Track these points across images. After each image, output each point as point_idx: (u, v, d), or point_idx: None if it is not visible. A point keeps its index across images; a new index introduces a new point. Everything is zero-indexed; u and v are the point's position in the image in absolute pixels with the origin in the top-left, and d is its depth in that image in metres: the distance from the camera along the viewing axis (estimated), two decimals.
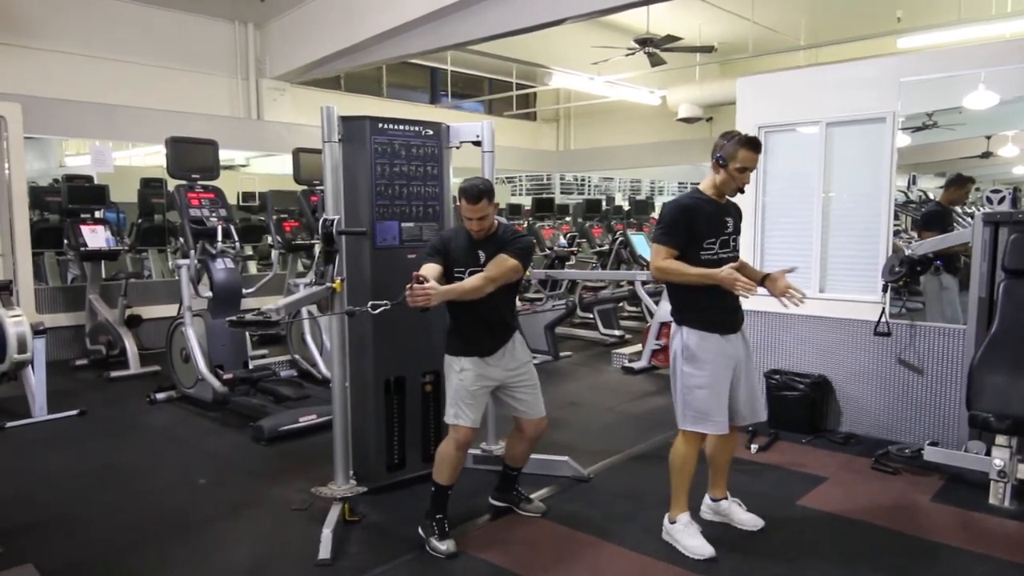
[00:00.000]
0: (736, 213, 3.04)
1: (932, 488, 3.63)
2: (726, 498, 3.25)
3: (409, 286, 2.62)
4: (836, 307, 4.46)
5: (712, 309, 2.89)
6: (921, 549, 3.02)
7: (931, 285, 4.63)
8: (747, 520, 3.19)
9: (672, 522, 3.02)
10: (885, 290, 4.14)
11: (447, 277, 2.93)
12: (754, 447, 4.20)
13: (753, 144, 2.85)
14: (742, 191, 2.93)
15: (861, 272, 4.39)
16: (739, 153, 2.83)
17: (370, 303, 2.84)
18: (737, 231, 3.02)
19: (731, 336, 2.94)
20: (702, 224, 2.87)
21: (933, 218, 5.10)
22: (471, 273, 2.93)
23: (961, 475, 3.70)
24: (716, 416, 2.90)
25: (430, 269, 2.87)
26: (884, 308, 4.09)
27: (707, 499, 3.28)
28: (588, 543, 3.08)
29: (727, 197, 2.98)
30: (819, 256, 4.54)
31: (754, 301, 4.66)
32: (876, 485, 3.70)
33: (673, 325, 3.00)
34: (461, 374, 3.00)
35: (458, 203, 2.97)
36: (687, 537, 2.96)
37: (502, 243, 2.97)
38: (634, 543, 3.04)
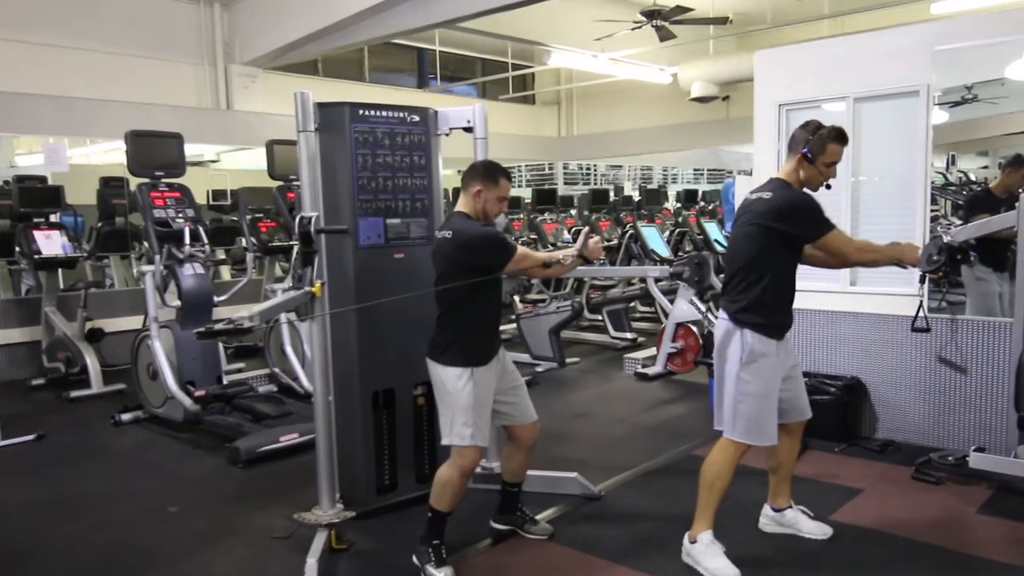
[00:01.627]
0: None
1: (979, 499, 3.63)
2: (791, 507, 3.31)
3: (592, 239, 2.98)
4: (869, 302, 4.47)
5: (778, 311, 2.99)
6: (968, 566, 3.02)
7: (965, 276, 4.63)
8: (814, 529, 3.26)
9: (693, 541, 3.02)
10: (923, 281, 4.13)
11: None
12: None
13: (843, 138, 2.98)
14: (829, 187, 3.05)
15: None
16: (828, 147, 2.94)
17: (563, 253, 3.09)
18: None
19: (783, 341, 3.04)
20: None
21: (976, 205, 5.08)
22: None
23: (1011, 484, 3.70)
24: (768, 427, 2.97)
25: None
26: (922, 301, 4.09)
27: (768, 510, 3.34)
28: (599, 567, 3.08)
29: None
30: None
31: None
32: (917, 497, 3.70)
33: (727, 324, 3.01)
34: (477, 387, 2.96)
35: (481, 187, 3.00)
36: (709, 558, 2.96)
37: None
38: (651, 566, 3.05)
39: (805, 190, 3.03)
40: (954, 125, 6.01)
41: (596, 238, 2.99)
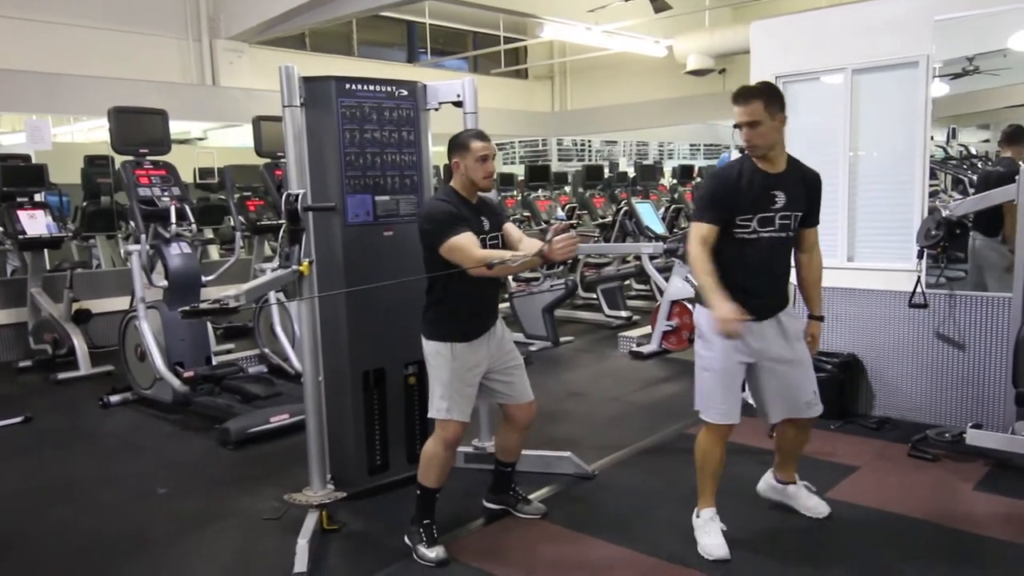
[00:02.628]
0: (794, 185, 2.92)
1: (976, 475, 3.65)
2: (794, 483, 3.30)
3: (557, 235, 2.63)
4: (866, 278, 4.46)
5: (735, 288, 2.79)
6: (964, 543, 3.04)
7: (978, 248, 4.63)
8: (813, 506, 3.25)
9: (697, 516, 3.07)
10: (921, 257, 4.13)
11: None
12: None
13: (734, 97, 2.85)
14: (752, 148, 2.88)
15: (893, 238, 4.39)
16: (735, 109, 2.86)
17: (509, 255, 2.78)
18: (794, 207, 2.91)
19: (756, 324, 2.88)
20: (740, 196, 2.85)
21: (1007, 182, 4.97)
22: (762, 221, 2.86)
23: (1008, 460, 3.72)
24: (718, 403, 2.93)
25: (473, 237, 2.86)
26: (919, 277, 4.09)
27: (770, 477, 3.36)
28: (593, 546, 3.09)
29: (777, 164, 2.90)
30: (846, 221, 4.53)
31: None
32: (913, 474, 3.72)
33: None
34: (455, 362, 2.98)
35: (457, 158, 2.99)
36: (704, 534, 2.99)
37: (493, 210, 3.11)
38: (645, 546, 3.06)
39: (747, 163, 2.92)
40: (955, 98, 5.97)
41: (566, 236, 2.64)
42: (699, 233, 2.86)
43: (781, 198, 2.88)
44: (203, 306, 2.56)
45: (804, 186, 2.97)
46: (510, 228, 3.16)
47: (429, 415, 3.06)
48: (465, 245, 2.81)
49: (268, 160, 6.13)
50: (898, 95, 4.35)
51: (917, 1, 4.30)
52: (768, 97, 2.82)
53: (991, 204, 4.15)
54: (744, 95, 2.83)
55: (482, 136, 3.04)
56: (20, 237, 6.30)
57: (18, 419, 5.05)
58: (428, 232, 2.90)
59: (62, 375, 6.14)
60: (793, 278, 3.11)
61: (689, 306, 6.11)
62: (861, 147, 4.52)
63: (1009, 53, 5.08)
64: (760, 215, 2.86)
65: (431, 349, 3.03)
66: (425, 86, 3.71)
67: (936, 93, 4.25)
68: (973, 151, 6.72)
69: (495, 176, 3.07)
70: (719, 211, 2.86)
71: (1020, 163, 4.53)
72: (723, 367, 2.91)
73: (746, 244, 2.88)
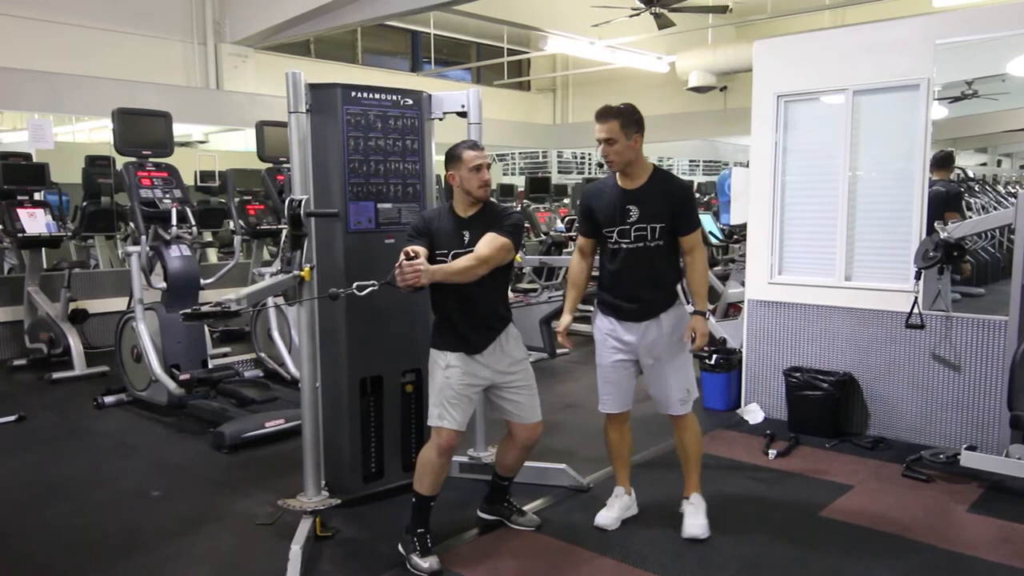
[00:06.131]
0: (651, 199, 3.12)
1: (970, 497, 3.65)
2: (686, 497, 3.36)
3: (398, 264, 2.68)
4: (863, 297, 4.48)
5: (613, 291, 3.23)
6: (957, 564, 3.04)
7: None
8: (689, 525, 3.24)
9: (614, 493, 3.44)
10: (918, 278, 4.15)
11: (430, 261, 2.92)
12: (772, 453, 4.22)
13: (596, 115, 3.10)
14: (606, 165, 3.15)
15: (891, 258, 4.41)
16: (595, 126, 3.09)
17: (356, 284, 2.83)
18: (650, 220, 3.11)
19: (632, 324, 3.18)
20: (600, 211, 3.20)
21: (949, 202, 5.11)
22: (455, 256, 2.95)
23: (1002, 483, 3.73)
24: (603, 395, 3.34)
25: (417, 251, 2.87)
26: (916, 297, 4.11)
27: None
28: (586, 559, 3.08)
29: (636, 180, 3.15)
30: (845, 241, 4.55)
31: (770, 291, 4.69)
32: (907, 494, 3.72)
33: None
34: (447, 371, 3.01)
35: (452, 170, 3.01)
36: (604, 507, 3.38)
37: (489, 222, 3.02)
38: (637, 559, 3.06)
39: (610, 181, 3.25)
40: (953, 121, 6.03)
41: (413, 264, 2.67)
42: (577, 244, 3.37)
43: (635, 212, 3.12)
44: (204, 309, 2.57)
45: (665, 199, 3.14)
46: (482, 239, 2.94)
47: (428, 421, 3.10)
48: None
49: (270, 165, 6.15)
50: (898, 117, 4.38)
51: (919, 24, 4.34)
52: (625, 118, 3.07)
53: (989, 227, 4.19)
54: (603, 114, 3.09)
55: (475, 146, 3.06)
56: (19, 235, 6.29)
57: (11, 418, 5.03)
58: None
59: (57, 374, 6.13)
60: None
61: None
62: (860, 167, 4.55)
63: (1008, 78, 5.14)
64: (619, 227, 3.14)
65: (431, 355, 3.10)
66: (430, 96, 3.73)
67: (936, 116, 4.29)
68: (971, 174, 6.77)
69: (492, 185, 3.07)
70: (586, 223, 3.29)
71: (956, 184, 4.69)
72: (601, 361, 3.31)
73: (614, 253, 3.19)
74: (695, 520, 3.23)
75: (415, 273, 2.68)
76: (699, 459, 3.36)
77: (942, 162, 5.23)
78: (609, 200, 3.17)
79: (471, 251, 2.93)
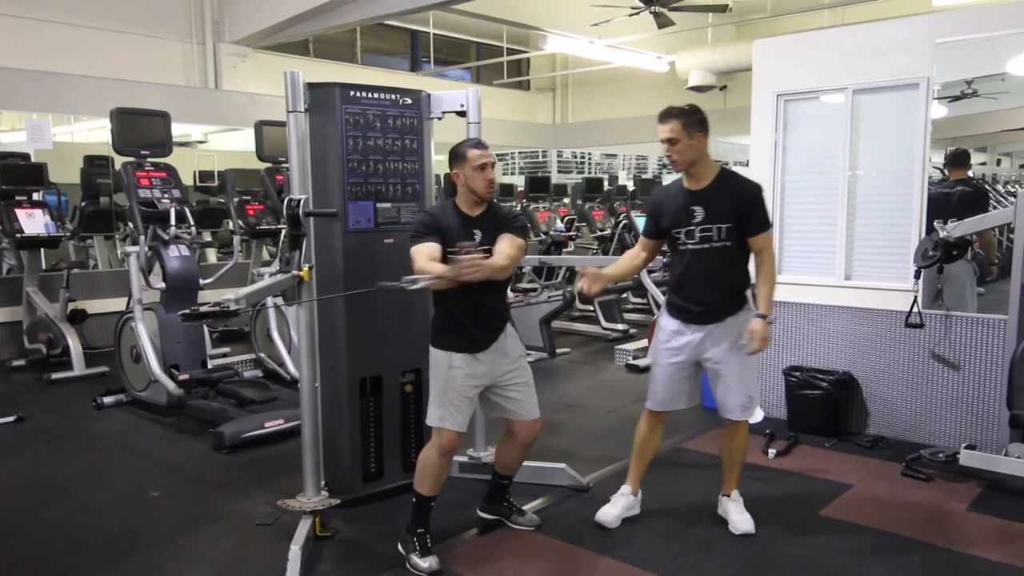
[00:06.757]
0: (717, 199, 3.12)
1: (969, 496, 3.66)
2: (728, 495, 3.39)
3: (458, 258, 2.74)
4: (863, 296, 4.48)
5: (674, 294, 3.28)
6: (957, 564, 3.04)
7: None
8: (735, 521, 3.29)
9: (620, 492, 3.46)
10: (918, 277, 4.15)
11: (443, 260, 2.93)
12: (772, 452, 4.22)
13: (658, 116, 3.10)
14: (672, 163, 3.13)
15: (891, 257, 4.41)
16: (657, 127, 3.10)
17: (404, 278, 2.80)
18: (715, 220, 3.10)
19: (697, 326, 3.18)
20: (665, 212, 3.22)
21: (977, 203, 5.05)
22: (687, 234, 3.12)
23: (1001, 482, 3.73)
24: (653, 392, 3.35)
25: (432, 249, 2.89)
26: (916, 297, 4.11)
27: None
28: (586, 559, 3.09)
29: (701, 180, 3.15)
30: (844, 240, 4.55)
31: None
32: (907, 493, 3.73)
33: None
34: (451, 371, 2.99)
35: (456, 169, 3.00)
36: (606, 504, 3.40)
37: (498, 223, 3.03)
38: (637, 559, 3.06)
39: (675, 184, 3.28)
40: (953, 120, 6.03)
41: (470, 259, 2.71)
42: (639, 240, 3.42)
43: (700, 212, 3.11)
44: (203, 309, 2.57)
45: (731, 199, 3.12)
46: (501, 238, 2.98)
47: (427, 421, 3.08)
48: (415, 256, 2.89)
49: (269, 164, 6.15)
50: (898, 116, 4.38)
51: (919, 24, 4.34)
52: (687, 117, 3.07)
53: (988, 226, 4.19)
54: (665, 114, 3.10)
55: (480, 144, 3.04)
56: (18, 235, 6.29)
57: (10, 418, 5.03)
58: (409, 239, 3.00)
59: (56, 375, 6.12)
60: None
61: None
62: (860, 167, 4.55)
63: (1007, 77, 5.14)
64: (685, 228, 3.15)
65: (432, 356, 3.07)
66: (429, 95, 3.73)
67: (935, 115, 4.29)
68: (970, 173, 6.77)
69: (496, 185, 3.07)
70: (650, 224, 3.32)
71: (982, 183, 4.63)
72: (659, 361, 3.31)
73: (682, 255, 3.20)
74: (743, 516, 3.29)
75: (475, 267, 2.71)
76: (743, 462, 3.42)
77: (958, 160, 5.12)
78: (675, 201, 3.19)
79: (485, 248, 2.93)
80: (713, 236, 3.11)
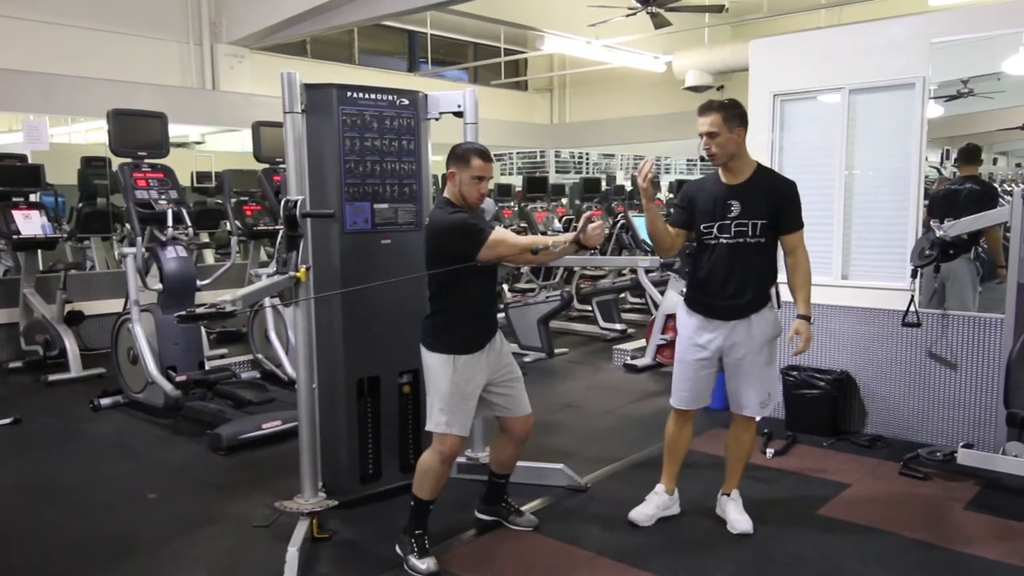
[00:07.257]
0: (754, 194, 3.11)
1: (967, 495, 3.66)
2: (727, 494, 3.39)
3: (582, 227, 2.77)
4: (860, 295, 4.48)
5: (697, 290, 3.26)
6: (955, 562, 3.05)
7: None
8: (733, 520, 3.30)
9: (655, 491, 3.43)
10: (914, 276, 4.16)
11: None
12: (770, 451, 4.22)
13: (698, 109, 3.12)
14: (711, 156, 3.13)
15: (888, 257, 4.42)
16: (698, 120, 3.09)
17: (538, 247, 2.86)
18: (752, 216, 3.09)
19: (720, 322, 3.17)
20: (698, 204, 3.18)
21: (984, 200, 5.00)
22: (720, 228, 3.12)
23: (999, 480, 3.73)
24: (679, 391, 3.31)
25: (505, 230, 3.05)
26: (913, 296, 4.12)
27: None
28: (585, 560, 3.08)
29: (739, 175, 3.14)
30: (841, 239, 4.56)
31: None
32: (905, 492, 3.73)
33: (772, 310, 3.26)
34: (456, 375, 2.95)
35: (455, 169, 2.97)
36: (644, 503, 3.37)
37: (484, 219, 3.09)
38: (635, 559, 3.05)
39: (711, 176, 3.26)
40: (949, 119, 6.02)
41: (597, 223, 2.79)
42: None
43: (736, 207, 3.10)
44: (199, 310, 2.56)
45: (769, 195, 3.12)
46: (506, 231, 3.12)
47: (427, 428, 3.03)
48: (505, 236, 2.94)
49: (266, 165, 6.14)
50: (894, 115, 4.39)
51: (915, 23, 4.35)
52: (727, 111, 3.07)
53: (985, 225, 4.19)
54: (705, 108, 3.10)
55: (485, 155, 2.98)
56: (14, 237, 6.28)
57: (7, 420, 5.02)
58: (460, 241, 2.86)
59: (53, 377, 6.11)
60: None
61: None
62: (857, 166, 4.55)
63: (1003, 77, 5.14)
64: (719, 223, 3.12)
65: (432, 361, 3.00)
66: (426, 96, 3.73)
67: (931, 114, 4.29)
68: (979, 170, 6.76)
69: (487, 194, 3.06)
70: (680, 214, 3.25)
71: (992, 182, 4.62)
72: (682, 357, 3.28)
73: (711, 249, 3.16)
74: (742, 516, 3.28)
75: (600, 232, 2.79)
76: (747, 460, 3.41)
77: (969, 155, 5.09)
78: (710, 194, 3.16)
79: None
80: (748, 231, 3.10)
